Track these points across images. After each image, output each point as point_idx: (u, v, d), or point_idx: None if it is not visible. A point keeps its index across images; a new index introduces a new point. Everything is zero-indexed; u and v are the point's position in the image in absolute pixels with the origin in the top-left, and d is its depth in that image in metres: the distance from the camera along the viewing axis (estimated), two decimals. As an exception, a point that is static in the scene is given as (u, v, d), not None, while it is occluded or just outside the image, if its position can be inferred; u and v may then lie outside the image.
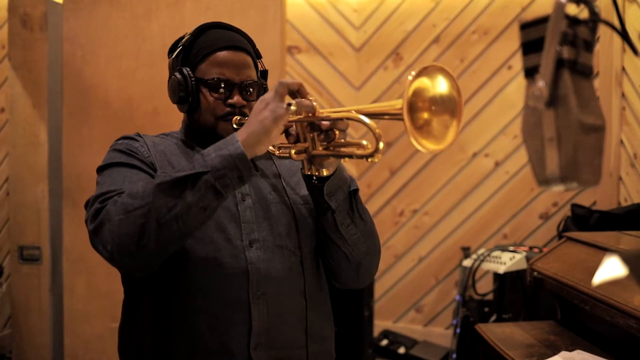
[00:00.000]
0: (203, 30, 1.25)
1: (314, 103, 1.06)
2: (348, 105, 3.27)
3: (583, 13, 0.58)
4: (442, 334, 3.15)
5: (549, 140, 0.53)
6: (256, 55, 1.29)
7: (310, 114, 1.06)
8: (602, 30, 2.59)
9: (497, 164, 3.10)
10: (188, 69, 1.21)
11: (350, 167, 3.32)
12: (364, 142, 1.04)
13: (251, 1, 2.38)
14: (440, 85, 0.93)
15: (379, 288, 3.24)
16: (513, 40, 3.03)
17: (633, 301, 1.20)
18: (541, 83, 0.54)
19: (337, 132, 1.07)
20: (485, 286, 2.84)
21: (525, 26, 0.58)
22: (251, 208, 1.20)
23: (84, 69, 2.53)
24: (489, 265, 2.50)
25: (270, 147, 1.18)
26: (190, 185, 1.00)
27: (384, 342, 3.11)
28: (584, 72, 0.56)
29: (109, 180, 1.14)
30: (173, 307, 1.14)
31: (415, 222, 3.25)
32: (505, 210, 3.09)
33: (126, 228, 1.01)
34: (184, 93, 1.21)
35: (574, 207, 2.48)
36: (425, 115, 0.93)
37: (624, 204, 2.50)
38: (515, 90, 3.05)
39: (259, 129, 1.02)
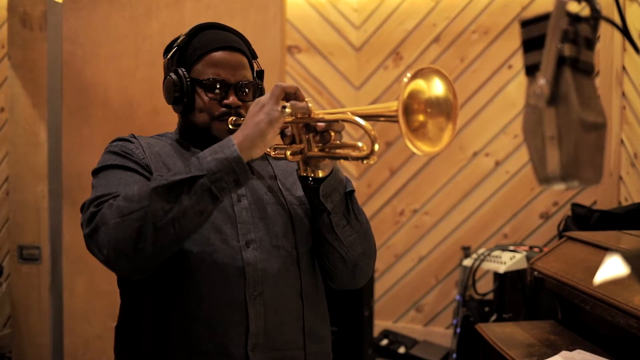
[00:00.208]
0: (198, 30, 1.25)
1: (309, 105, 1.06)
2: (348, 104, 3.28)
3: (584, 11, 0.58)
4: (442, 334, 3.15)
5: (550, 139, 0.53)
6: (252, 56, 1.29)
7: (305, 116, 1.06)
8: (603, 29, 2.59)
9: (498, 164, 3.09)
10: (183, 70, 1.21)
11: (350, 167, 3.32)
12: (359, 144, 1.04)
13: (251, 1, 2.38)
14: (436, 88, 0.92)
15: (379, 288, 3.24)
16: (513, 40, 3.03)
17: (634, 301, 1.20)
18: (542, 81, 0.54)
19: (332, 133, 1.07)
20: (485, 286, 2.83)
21: (526, 24, 0.58)
22: (247, 209, 1.20)
23: (84, 68, 2.53)
24: (489, 265, 2.50)
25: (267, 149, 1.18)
26: (187, 189, 1.00)
27: (384, 342, 3.11)
28: (585, 70, 0.56)
29: (104, 183, 1.14)
30: (170, 309, 1.14)
31: (415, 221, 3.25)
32: (505, 209, 3.09)
33: (122, 232, 1.01)
34: (179, 93, 1.21)
35: (575, 206, 2.48)
36: (421, 117, 0.93)
37: (624, 203, 2.50)
38: (515, 90, 3.05)
39: (254, 132, 1.02)
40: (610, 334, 1.40)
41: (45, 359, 2.68)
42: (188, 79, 1.20)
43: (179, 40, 1.25)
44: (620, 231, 1.74)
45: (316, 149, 1.09)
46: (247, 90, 1.22)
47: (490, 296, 2.63)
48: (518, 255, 2.41)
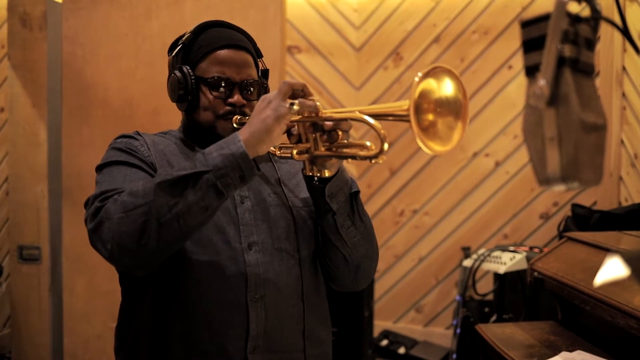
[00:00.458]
0: (204, 28, 1.24)
1: (317, 103, 1.05)
2: (348, 105, 3.27)
3: (585, 11, 0.58)
4: (442, 334, 3.15)
5: (550, 140, 0.53)
6: (257, 54, 1.28)
7: (313, 114, 1.05)
8: (603, 30, 2.59)
9: (498, 164, 3.09)
10: (188, 67, 1.20)
11: (350, 167, 3.31)
12: (368, 143, 1.02)
13: (251, 1, 2.38)
14: (446, 88, 0.92)
15: (379, 288, 3.24)
16: (513, 40, 3.03)
17: (633, 301, 1.20)
18: (542, 82, 0.54)
19: (340, 132, 1.06)
20: (485, 286, 2.83)
21: (526, 24, 0.57)
22: (250, 210, 1.19)
23: (84, 68, 2.53)
24: (489, 266, 2.50)
25: (272, 148, 1.16)
26: (192, 184, 0.99)
27: (384, 342, 3.11)
28: (586, 71, 0.56)
29: (108, 179, 1.13)
30: (171, 309, 1.14)
31: (415, 222, 3.24)
32: (505, 210, 3.09)
33: (126, 227, 1.00)
34: (183, 91, 1.20)
35: (575, 207, 2.48)
36: (431, 116, 0.92)
37: (624, 203, 2.50)
38: (515, 90, 3.05)
39: (261, 128, 1.01)
40: (610, 334, 1.40)
41: (45, 359, 2.68)
42: (193, 77, 1.19)
43: (184, 38, 1.24)
44: (620, 232, 1.74)
45: (323, 148, 1.08)
46: (252, 89, 1.22)
47: (490, 297, 2.63)
48: (518, 256, 2.41)
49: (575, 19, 0.55)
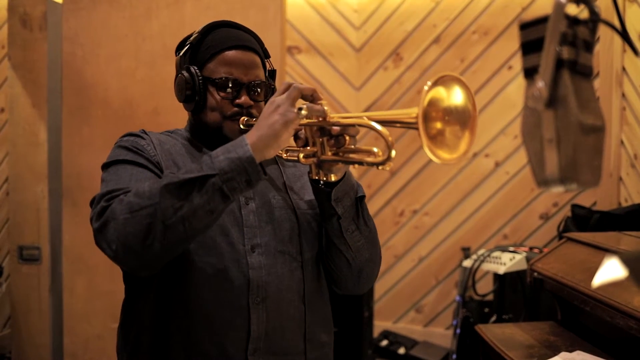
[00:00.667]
0: (212, 28, 1.23)
1: (325, 108, 1.04)
2: (348, 105, 3.28)
3: (583, 13, 0.58)
4: (442, 335, 3.15)
5: (548, 141, 0.53)
6: (264, 55, 1.27)
7: (320, 119, 1.05)
8: (603, 31, 2.59)
9: (498, 164, 3.09)
10: (195, 68, 1.20)
11: (349, 167, 3.31)
12: (375, 149, 1.01)
13: (251, 1, 2.38)
14: (455, 96, 0.91)
15: (379, 288, 3.24)
16: (513, 41, 3.03)
17: (633, 302, 1.20)
18: (541, 83, 0.54)
19: (347, 137, 1.06)
20: (485, 287, 2.83)
21: (524, 26, 0.58)
22: (255, 212, 1.19)
23: (84, 68, 2.53)
24: (489, 266, 2.50)
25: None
26: (198, 187, 0.99)
27: (384, 342, 3.11)
28: (584, 73, 0.56)
29: (115, 178, 1.13)
30: (173, 309, 1.14)
31: (415, 222, 3.25)
32: (505, 210, 3.09)
33: (131, 227, 1.00)
34: (190, 92, 1.19)
35: (574, 207, 2.48)
36: (438, 125, 0.92)
37: (624, 204, 2.50)
38: (515, 91, 3.05)
39: (268, 133, 1.00)
40: (609, 335, 1.40)
41: (45, 359, 2.68)
42: (200, 77, 1.19)
43: (191, 38, 1.23)
44: (620, 232, 1.74)
45: (330, 153, 1.07)
46: (259, 90, 1.21)
47: (490, 297, 2.63)
48: (518, 256, 2.41)
49: (573, 21, 0.55)
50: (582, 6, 0.56)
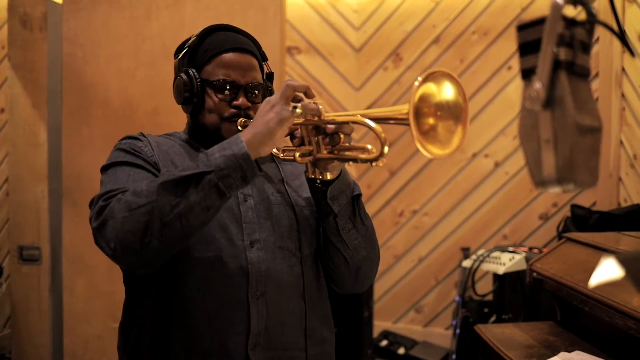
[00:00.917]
0: (210, 32, 1.26)
1: (320, 106, 1.06)
2: (348, 105, 3.28)
3: (581, 15, 0.58)
4: (442, 335, 3.15)
5: (545, 142, 0.53)
6: (262, 58, 1.30)
7: (315, 117, 1.06)
8: (602, 31, 2.59)
9: (497, 165, 3.09)
10: (194, 70, 1.22)
11: (349, 168, 3.29)
12: (369, 147, 1.04)
13: (251, 1, 2.38)
14: (446, 91, 0.92)
15: (378, 288, 3.25)
16: (513, 41, 3.00)
17: (632, 302, 1.20)
18: (538, 84, 0.54)
19: (342, 135, 1.08)
20: (484, 287, 2.84)
21: (522, 27, 0.58)
22: (253, 209, 1.21)
23: (84, 69, 2.53)
24: (488, 266, 2.50)
25: (275, 150, 1.19)
26: (194, 184, 1.01)
27: (384, 342, 3.11)
28: (581, 74, 0.56)
29: (113, 179, 1.15)
30: (173, 305, 1.15)
31: (415, 222, 3.25)
32: (505, 210, 3.09)
33: (130, 225, 1.01)
34: (189, 94, 1.22)
35: (574, 207, 2.48)
36: (431, 120, 0.93)
37: (623, 204, 2.50)
38: (515, 91, 3.05)
39: (263, 130, 1.02)
40: (609, 335, 1.40)
41: (45, 359, 2.68)
42: (198, 80, 1.21)
43: (190, 41, 1.25)
44: (619, 232, 1.74)
45: (325, 151, 1.09)
46: (256, 92, 1.23)
47: (489, 297, 2.63)
48: (517, 256, 2.41)
49: (570, 22, 0.55)
50: (579, 7, 0.56)
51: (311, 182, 1.16)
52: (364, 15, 3.29)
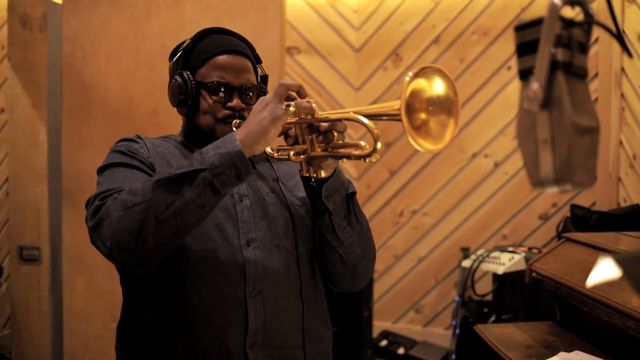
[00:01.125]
0: (204, 35, 1.27)
1: (313, 105, 1.07)
2: (348, 105, 3.28)
3: (579, 15, 0.59)
4: (442, 335, 3.16)
5: (543, 142, 0.53)
6: (256, 60, 1.31)
7: (309, 116, 1.08)
8: (602, 31, 2.59)
9: (497, 165, 3.10)
10: (188, 73, 1.24)
11: (349, 167, 3.32)
12: (362, 143, 1.05)
13: (251, 2, 2.38)
14: (437, 86, 0.94)
15: (378, 288, 3.25)
16: (513, 41, 3.03)
17: (631, 302, 1.20)
18: (535, 85, 0.54)
19: (335, 133, 1.09)
20: (484, 287, 2.84)
21: (520, 28, 0.58)
22: (249, 208, 1.22)
23: (84, 69, 2.54)
24: (488, 266, 2.50)
25: (269, 149, 1.20)
26: (189, 182, 1.02)
27: (384, 342, 3.11)
28: (579, 74, 0.56)
29: (109, 180, 1.16)
30: (171, 305, 1.15)
31: (414, 222, 3.25)
32: (504, 210, 3.09)
33: (125, 224, 1.02)
34: (183, 96, 1.23)
35: (574, 207, 2.48)
36: (423, 115, 0.95)
37: (623, 204, 2.51)
38: (514, 91, 3.05)
39: (257, 129, 1.03)
40: (608, 335, 1.41)
41: (45, 359, 2.68)
42: (193, 82, 1.23)
43: (184, 44, 1.27)
44: (619, 232, 1.74)
45: (319, 149, 1.10)
46: (250, 93, 1.25)
47: (489, 297, 2.63)
48: (517, 257, 2.41)
49: (568, 23, 0.55)
50: (577, 8, 0.56)
51: (306, 180, 1.17)
52: (363, 16, 3.29)
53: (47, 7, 2.62)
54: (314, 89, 3.35)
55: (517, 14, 3.02)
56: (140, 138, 1.27)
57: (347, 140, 1.10)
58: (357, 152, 1.04)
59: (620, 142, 2.54)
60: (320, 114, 1.08)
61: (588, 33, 0.56)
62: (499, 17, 3.05)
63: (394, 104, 0.94)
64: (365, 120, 1.00)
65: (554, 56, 0.54)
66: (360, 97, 3.30)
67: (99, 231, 1.05)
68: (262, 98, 1.07)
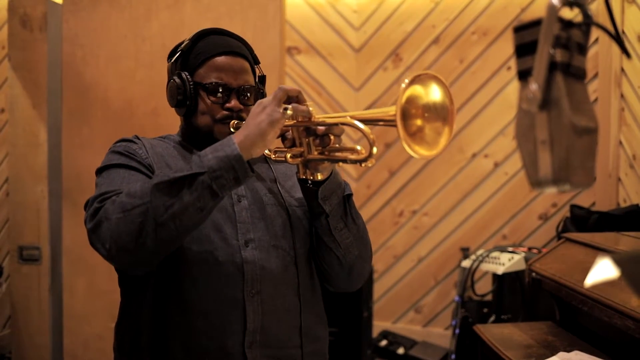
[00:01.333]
0: (202, 35, 1.28)
1: (311, 109, 1.08)
2: (347, 106, 3.28)
3: (578, 17, 0.59)
4: (441, 335, 3.16)
5: (541, 143, 0.54)
6: (254, 61, 1.32)
7: (306, 119, 1.09)
8: (602, 32, 2.59)
9: (497, 165, 3.10)
10: (187, 74, 1.24)
11: (349, 168, 3.32)
12: (358, 148, 1.06)
13: (251, 2, 2.39)
14: (433, 93, 0.95)
15: (378, 288, 3.25)
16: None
17: (630, 302, 1.21)
18: (534, 86, 0.55)
19: (332, 137, 1.10)
20: (484, 287, 2.84)
21: (519, 29, 0.58)
22: (247, 209, 1.22)
23: (84, 69, 2.54)
24: (487, 266, 2.50)
25: (267, 151, 1.21)
26: (188, 185, 1.02)
27: (383, 342, 3.11)
28: (577, 75, 0.56)
29: (107, 181, 1.16)
30: (170, 305, 1.16)
31: (414, 222, 3.25)
32: (504, 211, 3.09)
33: (124, 226, 1.03)
34: (182, 97, 1.24)
35: (573, 207, 2.48)
36: (418, 122, 0.96)
37: (622, 204, 2.51)
38: (514, 91, 3.05)
39: (255, 132, 1.04)
40: (607, 335, 1.41)
41: (45, 359, 2.68)
42: (191, 83, 1.23)
43: (182, 45, 1.28)
44: (618, 232, 1.75)
45: (316, 152, 1.11)
46: (248, 94, 1.26)
47: (489, 297, 2.63)
48: (516, 257, 2.41)
49: (567, 24, 0.55)
50: (576, 9, 0.56)
51: (302, 182, 1.17)
52: (363, 16, 3.29)
53: (47, 8, 2.62)
54: (314, 89, 3.35)
55: (517, 14, 3.02)
56: (139, 138, 1.27)
57: (343, 143, 1.12)
58: (353, 157, 1.06)
59: (620, 143, 2.54)
60: (317, 117, 1.09)
61: (587, 34, 0.56)
62: (498, 17, 3.05)
63: (390, 110, 0.95)
64: (361, 125, 1.01)
65: (553, 57, 0.54)
66: (360, 97, 3.30)
67: (98, 233, 1.06)
68: (260, 101, 1.08)
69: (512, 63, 3.03)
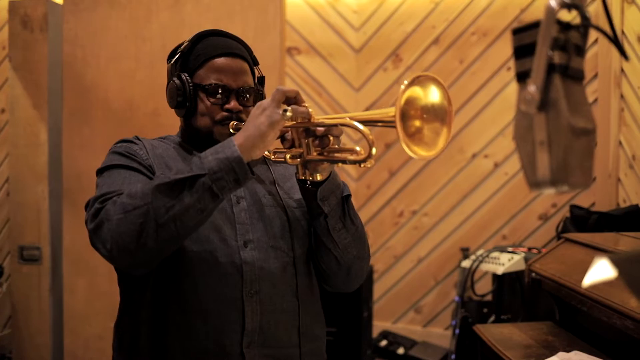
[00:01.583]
0: (202, 37, 1.28)
1: (309, 110, 1.09)
2: (347, 106, 3.29)
3: (576, 19, 0.59)
4: (441, 335, 3.16)
5: (540, 144, 0.54)
6: (253, 62, 1.33)
7: (305, 120, 1.09)
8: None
9: (497, 165, 3.10)
10: (186, 75, 1.25)
11: (349, 168, 3.32)
12: (357, 148, 1.06)
13: (251, 2, 2.39)
14: (431, 95, 0.96)
15: (378, 289, 3.25)
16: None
17: (630, 302, 1.21)
18: (532, 87, 0.55)
19: (331, 138, 1.11)
20: (484, 287, 2.84)
21: (517, 31, 0.59)
22: (246, 210, 1.23)
23: (84, 69, 2.54)
24: (487, 266, 2.50)
25: (266, 152, 1.21)
26: (188, 187, 1.03)
27: (383, 342, 3.12)
28: (575, 77, 0.57)
29: (108, 182, 1.17)
30: (169, 305, 1.16)
31: (414, 222, 3.25)
32: (504, 211, 3.10)
33: (125, 227, 1.03)
34: (181, 98, 1.24)
35: (573, 208, 2.49)
36: (417, 123, 0.97)
37: (622, 205, 2.51)
38: (514, 92, 3.03)
39: (255, 134, 1.05)
40: (607, 335, 1.41)
41: (46, 359, 2.69)
42: (191, 84, 1.24)
43: (182, 47, 1.28)
44: (618, 233, 1.75)
45: (315, 153, 1.12)
46: (248, 95, 1.26)
47: (488, 297, 2.63)
48: (516, 257, 2.42)
49: (565, 26, 0.56)
50: (574, 12, 0.57)
51: (301, 183, 1.18)
52: (363, 16, 3.29)
53: (48, 8, 2.63)
54: (314, 90, 3.36)
55: (517, 15, 3.02)
56: (139, 139, 1.28)
57: (343, 144, 1.12)
58: (352, 157, 1.06)
59: (620, 143, 2.55)
60: (317, 118, 1.09)
61: (585, 36, 0.57)
62: (498, 17, 3.05)
63: (389, 111, 0.96)
64: (360, 126, 1.02)
65: (551, 59, 0.54)
66: (360, 98, 3.31)
67: (99, 234, 1.06)
68: (259, 103, 1.09)
69: (512, 64, 3.05)
